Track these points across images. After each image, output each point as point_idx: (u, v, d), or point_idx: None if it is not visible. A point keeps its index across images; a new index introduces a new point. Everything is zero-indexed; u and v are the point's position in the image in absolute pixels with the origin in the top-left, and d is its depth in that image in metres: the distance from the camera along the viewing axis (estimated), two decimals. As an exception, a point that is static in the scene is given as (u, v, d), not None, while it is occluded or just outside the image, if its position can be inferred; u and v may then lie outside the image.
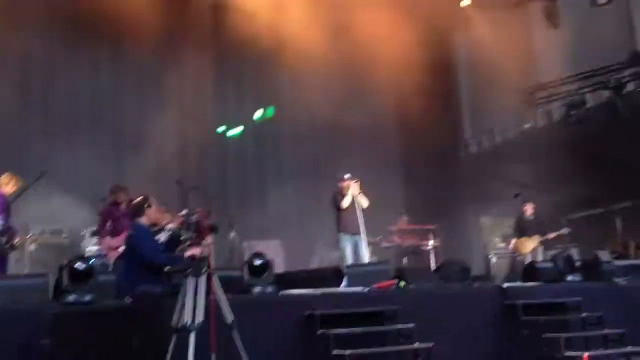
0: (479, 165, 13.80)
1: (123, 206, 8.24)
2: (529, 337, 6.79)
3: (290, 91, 13.49)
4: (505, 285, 7.43)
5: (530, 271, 8.28)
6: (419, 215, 12.01)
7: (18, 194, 7.50)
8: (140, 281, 5.35)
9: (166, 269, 5.47)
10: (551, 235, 10.42)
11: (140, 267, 5.37)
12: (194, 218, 5.62)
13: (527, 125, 13.27)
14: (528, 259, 10.10)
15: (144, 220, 5.59)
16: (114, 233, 8.16)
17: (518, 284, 7.98)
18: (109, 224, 8.29)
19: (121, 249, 7.68)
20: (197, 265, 5.37)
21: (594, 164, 11.06)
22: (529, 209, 10.67)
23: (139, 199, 5.82)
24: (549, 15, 12.83)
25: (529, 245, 10.35)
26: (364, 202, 9.02)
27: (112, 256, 8.05)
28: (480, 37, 13.62)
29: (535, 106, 13.24)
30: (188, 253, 5.43)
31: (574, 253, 9.29)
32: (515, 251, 10.59)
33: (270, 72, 13.49)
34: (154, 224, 5.87)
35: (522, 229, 10.55)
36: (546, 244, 10.51)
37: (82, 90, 12.21)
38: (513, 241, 10.73)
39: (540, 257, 9.98)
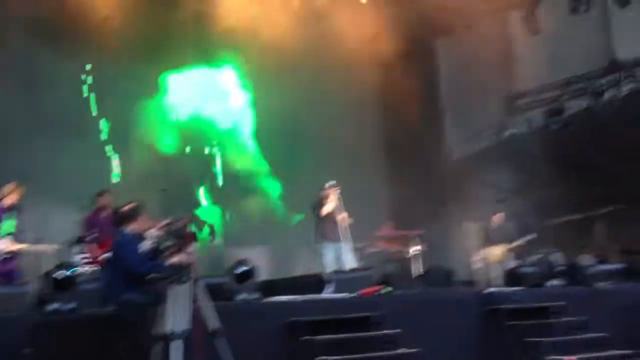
0: (462, 171, 13.88)
1: (107, 213, 8.17)
2: (512, 341, 6.84)
3: (271, 97, 13.48)
4: (489, 290, 7.47)
5: (513, 276, 8.35)
6: (404, 221, 12.04)
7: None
8: (125, 289, 5.29)
9: (149, 277, 5.43)
10: (518, 243, 10.26)
11: (125, 275, 5.31)
12: (176, 225, 5.57)
13: (508, 132, 13.39)
14: (497, 269, 10.02)
15: (130, 228, 5.54)
16: (99, 240, 8.08)
17: (501, 289, 8.04)
18: (93, 231, 8.19)
19: (105, 256, 7.63)
20: (179, 272, 5.34)
21: (575, 170, 11.19)
22: (496, 219, 10.56)
23: (129, 206, 5.75)
24: (529, 22, 12.99)
25: (496, 254, 10.29)
26: (342, 216, 8.97)
27: (97, 264, 7.98)
28: (461, 43, 13.75)
29: (516, 113, 13.38)
30: (170, 261, 5.39)
31: (557, 258, 9.35)
32: (484, 261, 10.52)
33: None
34: (138, 232, 5.81)
35: (488, 238, 10.49)
36: (516, 252, 10.43)
37: (64, 96, 12.06)
38: (481, 251, 10.66)
39: (511, 265, 9.93)
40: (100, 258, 7.89)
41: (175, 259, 5.36)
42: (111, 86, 12.22)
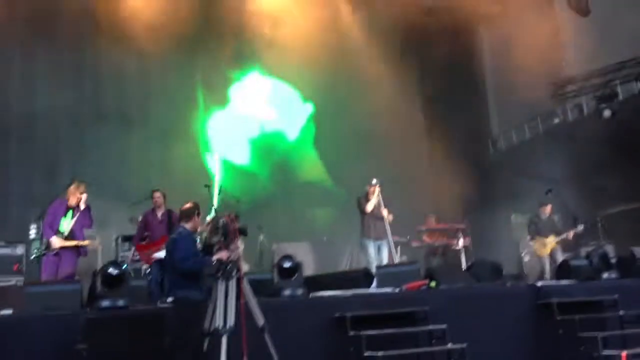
0: (507, 161, 13.60)
1: (160, 213, 8.31)
2: (564, 336, 6.67)
3: (322, 93, 13.50)
4: (540, 283, 7.29)
5: (564, 269, 8.14)
6: (448, 214, 11.88)
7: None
8: (179, 285, 5.39)
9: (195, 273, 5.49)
10: (569, 234, 9.99)
11: (180, 272, 5.42)
12: (221, 222, 5.63)
13: (556, 120, 13.03)
14: (546, 261, 9.80)
15: (187, 225, 5.63)
16: (151, 239, 8.23)
17: (552, 282, 7.84)
18: (144, 229, 8.35)
19: (156, 254, 7.76)
20: (226, 268, 5.39)
21: (628, 158, 10.80)
22: (546, 210, 10.28)
23: (188, 205, 5.85)
24: (578, 4, 12.56)
25: (546, 246, 10.06)
26: (383, 212, 8.92)
27: (147, 261, 8.13)
28: (506, 30, 13.44)
29: (565, 100, 13.00)
30: (216, 257, 5.46)
31: (609, 250, 9.06)
32: (533, 253, 10.27)
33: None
34: (193, 230, 5.87)
35: (537, 230, 10.20)
36: (564, 243, 10.17)
37: (109, 95, 12.37)
38: (530, 243, 10.40)
39: (559, 258, 9.68)
40: (149, 256, 8.02)
41: (221, 255, 5.43)
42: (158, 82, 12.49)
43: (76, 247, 7.45)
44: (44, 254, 7.24)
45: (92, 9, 11.53)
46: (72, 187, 7.53)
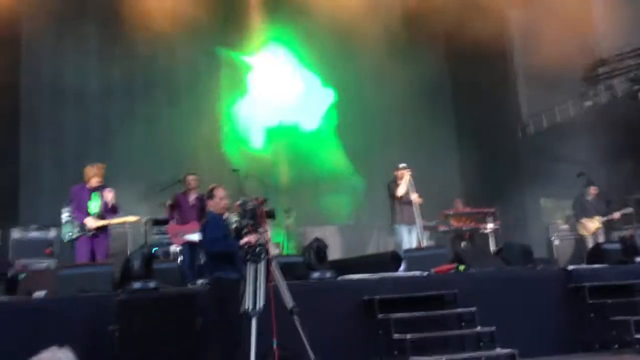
0: (538, 145, 13.37)
1: (193, 196, 8.36)
2: (596, 320, 6.59)
3: (346, 78, 13.43)
4: (571, 267, 7.19)
5: (595, 253, 8.03)
6: (477, 198, 11.76)
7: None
8: (215, 267, 5.43)
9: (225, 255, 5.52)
10: (615, 215, 9.94)
11: (214, 254, 5.45)
12: (249, 205, 5.65)
13: (588, 103, 12.76)
14: (589, 241, 9.70)
15: (212, 209, 5.67)
16: (182, 221, 8.24)
17: (583, 266, 7.73)
18: (176, 212, 8.35)
19: (187, 236, 7.82)
20: (255, 251, 5.42)
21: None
22: (592, 191, 10.19)
23: (208, 188, 5.90)
24: (608, -13, 12.23)
25: (591, 226, 9.95)
26: (414, 197, 8.86)
27: (178, 242, 8.17)
28: (535, 11, 13.17)
29: (597, 82, 12.72)
30: (244, 240, 5.48)
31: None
32: (578, 232, 10.19)
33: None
34: (220, 213, 5.88)
35: (582, 210, 10.09)
36: (610, 225, 10.07)
37: (137, 82, 12.48)
38: (575, 222, 10.30)
39: (601, 239, 9.56)
40: (180, 237, 8.06)
41: (249, 239, 5.45)
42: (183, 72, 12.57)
43: (107, 228, 7.46)
44: (79, 236, 7.26)
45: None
46: (87, 169, 7.51)
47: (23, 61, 11.28)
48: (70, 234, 7.24)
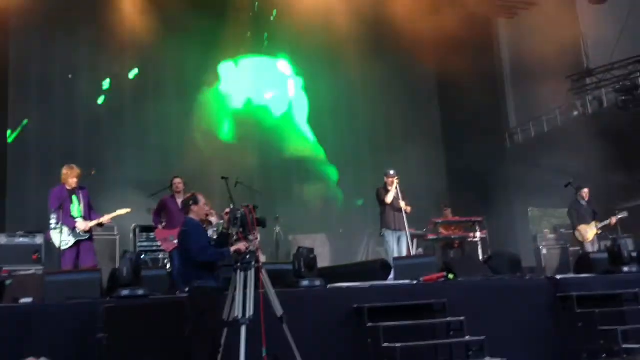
0: (525, 154, 13.50)
1: (180, 200, 8.22)
2: (584, 329, 6.62)
3: (329, 87, 13.44)
4: (559, 277, 7.23)
5: (583, 262, 8.08)
6: (465, 207, 11.81)
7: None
8: (194, 276, 5.39)
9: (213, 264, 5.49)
10: (612, 220, 9.77)
11: (194, 262, 5.41)
12: (239, 213, 5.63)
13: (575, 113, 12.90)
14: (589, 248, 9.56)
15: (193, 216, 5.62)
16: (169, 225, 8.14)
17: (571, 275, 7.78)
18: (164, 215, 8.24)
19: (176, 241, 7.68)
20: (244, 259, 5.39)
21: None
22: (585, 193, 9.99)
23: (187, 195, 5.87)
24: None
25: (589, 233, 9.74)
26: (403, 204, 8.88)
27: (167, 247, 8.05)
28: (524, 22, 13.32)
29: (585, 93, 12.86)
30: (234, 248, 5.45)
31: (629, 243, 8.95)
32: (577, 240, 9.88)
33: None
34: (203, 221, 5.88)
35: (579, 217, 9.86)
36: (605, 230, 9.88)
37: (126, 92, 12.44)
38: (573, 230, 9.99)
39: (596, 246, 9.54)
40: (169, 242, 7.92)
41: (239, 246, 5.42)
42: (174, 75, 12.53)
43: (91, 235, 7.34)
44: (75, 242, 7.14)
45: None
46: (65, 170, 7.37)
47: (11, 63, 11.20)
48: (67, 242, 7.09)
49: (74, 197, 7.33)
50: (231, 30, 12.94)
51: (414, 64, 13.48)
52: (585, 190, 10.00)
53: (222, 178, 8.40)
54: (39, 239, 8.36)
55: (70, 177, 7.33)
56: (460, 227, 10.78)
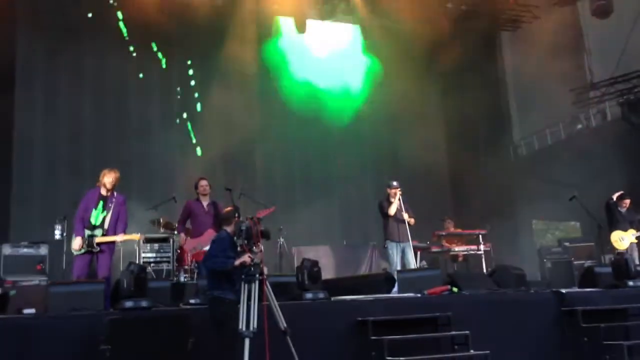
0: (529, 167, 13.49)
1: (206, 202, 8.14)
2: (589, 344, 6.58)
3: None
4: (564, 291, 7.19)
5: (588, 277, 8.04)
6: (469, 220, 11.80)
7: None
8: (214, 286, 5.37)
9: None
10: None
11: (219, 271, 5.39)
12: (244, 225, 5.62)
13: (579, 126, 12.92)
14: (632, 254, 9.21)
15: (229, 229, 5.59)
16: (195, 232, 7.98)
17: (576, 289, 7.74)
18: (186, 219, 8.10)
19: (206, 248, 7.17)
20: (250, 271, 5.38)
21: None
22: (626, 203, 9.75)
23: (228, 208, 5.84)
24: (597, 9, 12.38)
25: (626, 240, 9.52)
26: (406, 216, 8.87)
27: (197, 258, 7.79)
28: (528, 36, 13.35)
29: (588, 106, 12.88)
30: (239, 261, 5.44)
31: (634, 257, 8.92)
32: (613, 246, 9.65)
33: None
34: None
35: (616, 222, 9.66)
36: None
37: (130, 98, 12.50)
38: (612, 236, 9.70)
39: (635, 254, 9.30)
40: (198, 250, 7.80)
41: (243, 258, 5.41)
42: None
43: (113, 243, 7.15)
44: (85, 252, 7.02)
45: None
46: (103, 172, 7.11)
47: (17, 78, 11.26)
48: (82, 250, 7.00)
49: (102, 203, 7.11)
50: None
51: (419, 76, 13.51)
52: (628, 200, 9.79)
53: (227, 189, 8.39)
54: (43, 250, 8.36)
55: (104, 176, 7.09)
56: (464, 240, 10.76)
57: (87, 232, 7.07)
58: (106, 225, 7.12)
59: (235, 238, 5.52)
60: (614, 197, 9.86)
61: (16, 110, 11.12)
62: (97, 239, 7.07)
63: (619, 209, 9.83)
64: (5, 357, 5.28)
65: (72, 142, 11.65)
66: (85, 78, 12.07)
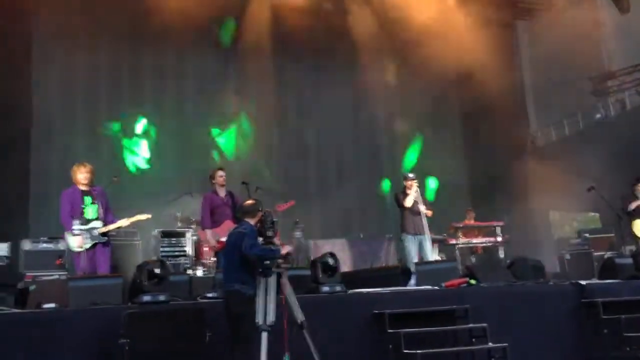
0: (546, 158, 13.35)
1: (223, 193, 8.10)
2: (609, 336, 6.52)
3: (351, 94, 13.43)
4: (584, 282, 7.12)
5: (608, 268, 7.95)
6: (486, 211, 11.72)
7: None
8: (237, 279, 5.35)
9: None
10: None
11: (240, 265, 5.37)
12: (273, 217, 5.65)
13: (598, 115, 12.74)
14: None
15: (252, 222, 5.60)
16: (215, 222, 7.94)
17: (596, 281, 7.66)
18: (210, 211, 7.99)
19: (223, 239, 7.09)
20: (265, 265, 5.39)
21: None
22: None
23: (251, 201, 5.82)
24: (618, 1, 12.23)
25: None
26: (422, 207, 8.82)
27: (219, 248, 7.70)
28: (545, 24, 13.19)
29: (607, 95, 12.70)
30: (284, 251, 5.50)
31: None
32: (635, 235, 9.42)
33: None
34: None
35: (637, 210, 9.42)
36: None
37: (145, 94, 12.55)
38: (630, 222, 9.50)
39: None
40: (219, 241, 7.73)
41: (288, 249, 5.45)
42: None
43: (108, 238, 7.12)
44: (92, 245, 7.00)
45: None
46: (73, 168, 7.12)
47: (33, 73, 11.34)
48: (86, 246, 6.99)
49: (88, 198, 7.09)
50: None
51: (435, 67, 13.40)
52: None
53: (243, 183, 8.40)
54: (62, 245, 8.40)
55: (78, 173, 7.07)
56: (481, 232, 10.69)
57: (85, 227, 7.03)
58: (101, 217, 7.09)
59: (264, 230, 5.52)
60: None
61: (34, 106, 11.18)
62: (101, 229, 7.06)
63: (637, 194, 9.60)
64: (26, 351, 5.34)
65: (89, 138, 11.72)
66: (101, 77, 12.11)
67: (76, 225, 6.95)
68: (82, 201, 7.10)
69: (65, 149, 11.44)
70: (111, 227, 7.17)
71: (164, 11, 10.59)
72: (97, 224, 7.10)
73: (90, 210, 7.11)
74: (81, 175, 7.11)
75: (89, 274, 6.90)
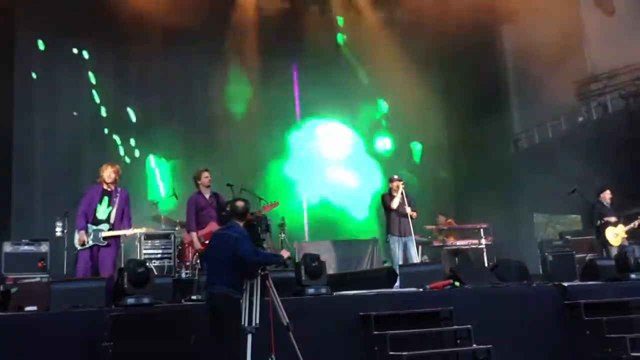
0: (529, 161, 13.46)
1: (208, 194, 8.01)
2: (591, 337, 6.58)
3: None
4: (566, 284, 7.19)
5: (590, 270, 8.03)
6: (470, 214, 11.79)
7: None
8: (231, 284, 5.24)
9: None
10: (636, 223, 9.46)
11: (230, 268, 5.30)
12: (267, 221, 5.63)
13: (580, 119, 12.87)
14: (614, 251, 9.28)
15: (241, 224, 5.53)
16: (200, 224, 7.87)
17: (578, 283, 7.74)
18: (196, 213, 7.90)
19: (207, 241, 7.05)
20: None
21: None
22: (606, 195, 9.76)
23: (241, 203, 5.68)
24: (602, 3, 12.36)
25: (618, 235, 9.51)
26: (408, 209, 8.84)
27: (201, 251, 7.68)
28: (528, 27, 13.28)
29: (589, 98, 12.83)
30: (286, 255, 5.51)
31: (636, 250, 8.90)
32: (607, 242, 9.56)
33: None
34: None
35: (603, 216, 9.58)
36: (631, 235, 9.60)
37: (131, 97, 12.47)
38: (598, 232, 9.70)
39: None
40: (204, 244, 7.65)
41: (287, 253, 5.45)
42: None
43: (119, 238, 7.14)
44: (92, 246, 7.01)
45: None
46: (103, 167, 7.15)
47: (15, 71, 11.21)
48: (87, 245, 6.98)
49: (106, 198, 7.14)
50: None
51: (420, 71, 13.46)
52: (608, 193, 9.78)
53: (228, 185, 8.37)
54: (44, 247, 8.33)
55: (105, 171, 7.13)
56: (465, 234, 10.74)
57: (93, 227, 7.08)
58: (112, 220, 7.14)
59: (259, 234, 5.48)
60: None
61: (15, 105, 11.06)
62: (104, 233, 7.08)
63: (603, 203, 9.76)
64: (7, 355, 5.27)
65: (73, 138, 11.61)
66: (84, 75, 12.01)
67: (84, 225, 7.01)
68: (100, 200, 7.16)
69: (47, 149, 11.33)
70: (115, 232, 7.16)
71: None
72: (104, 226, 7.13)
73: (103, 211, 7.15)
74: (106, 174, 7.19)
75: (85, 274, 6.89)
